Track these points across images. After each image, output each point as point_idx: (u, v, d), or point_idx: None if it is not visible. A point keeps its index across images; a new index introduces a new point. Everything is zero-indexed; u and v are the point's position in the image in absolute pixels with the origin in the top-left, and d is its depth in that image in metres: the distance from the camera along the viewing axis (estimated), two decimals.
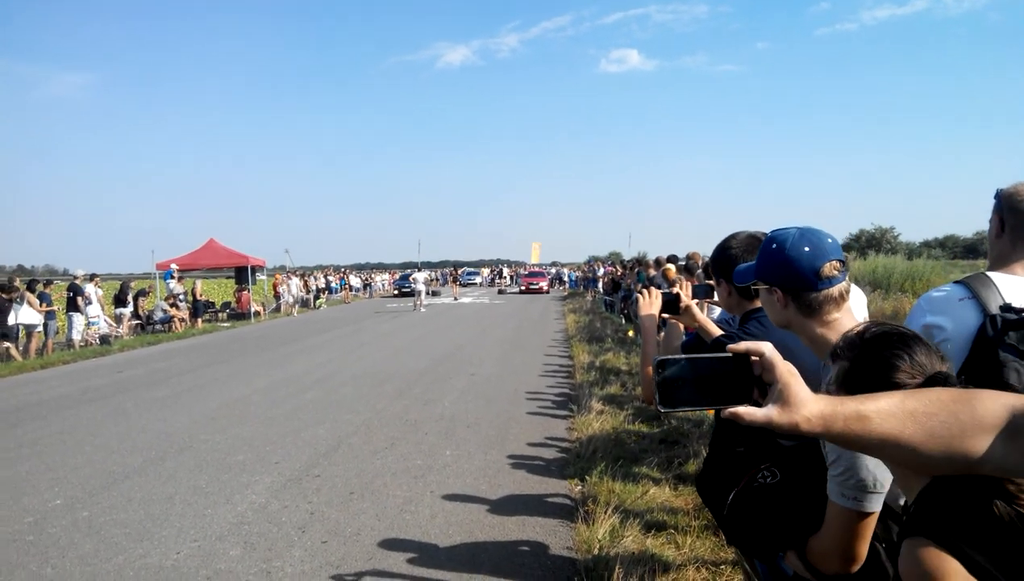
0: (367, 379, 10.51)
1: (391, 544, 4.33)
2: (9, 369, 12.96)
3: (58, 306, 16.13)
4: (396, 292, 41.74)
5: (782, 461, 2.03)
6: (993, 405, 0.91)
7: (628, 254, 36.95)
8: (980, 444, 0.90)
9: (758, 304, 2.22)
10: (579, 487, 5.28)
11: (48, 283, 16.69)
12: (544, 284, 42.99)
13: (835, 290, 1.55)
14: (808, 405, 0.94)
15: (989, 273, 2.06)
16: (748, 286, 2.07)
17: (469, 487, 5.39)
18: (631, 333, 13.93)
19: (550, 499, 5.11)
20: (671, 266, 10.85)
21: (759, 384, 1.00)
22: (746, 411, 0.97)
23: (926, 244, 56.22)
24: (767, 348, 0.99)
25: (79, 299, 16.24)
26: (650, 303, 2.65)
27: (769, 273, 1.63)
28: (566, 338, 15.89)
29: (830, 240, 1.58)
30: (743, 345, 1.00)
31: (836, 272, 1.55)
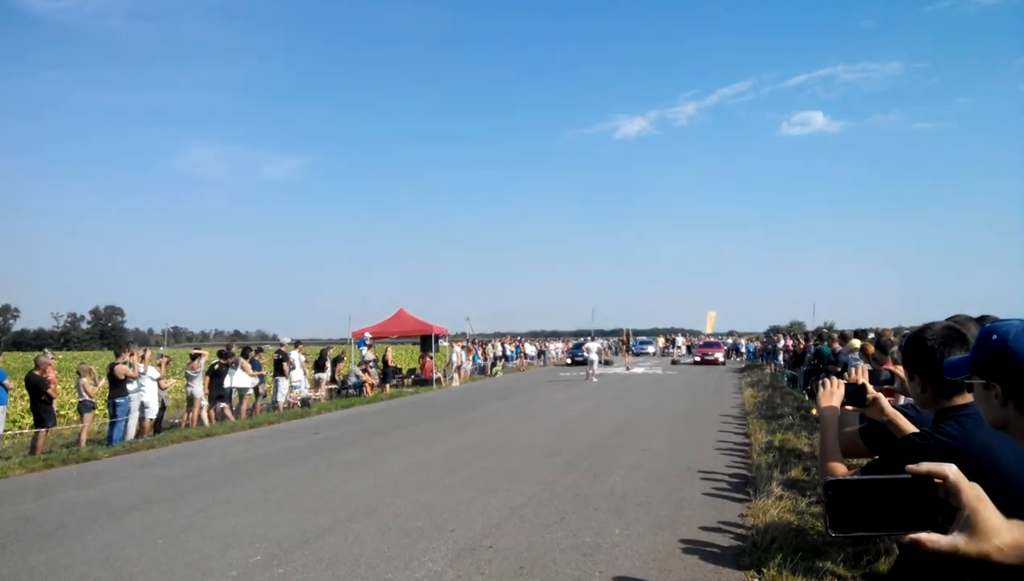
0: (538, 450, 10.68)
1: None
2: (223, 428, 14.56)
3: (266, 370, 17.94)
4: (569, 361, 41.76)
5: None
6: None
7: (812, 325, 34.79)
8: None
9: (957, 402, 2.09)
10: (756, 579, 5.02)
11: (259, 350, 18.67)
12: (720, 355, 41.48)
13: None
14: (1001, 533, 0.89)
15: None
16: (957, 381, 1.94)
17: (638, 570, 5.30)
18: (814, 411, 13.05)
19: None
20: (856, 342, 10.15)
21: (943, 507, 0.94)
22: (929, 538, 0.92)
23: None
24: (951, 471, 0.95)
25: (284, 364, 18.00)
26: (831, 393, 2.55)
27: (988, 367, 1.50)
28: (743, 414, 15.18)
29: None
30: (924, 467, 0.97)
31: None
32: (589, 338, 34.19)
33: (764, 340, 39.27)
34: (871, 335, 9.31)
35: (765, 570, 5.05)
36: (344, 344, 26.10)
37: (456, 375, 27.84)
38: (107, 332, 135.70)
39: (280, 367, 17.96)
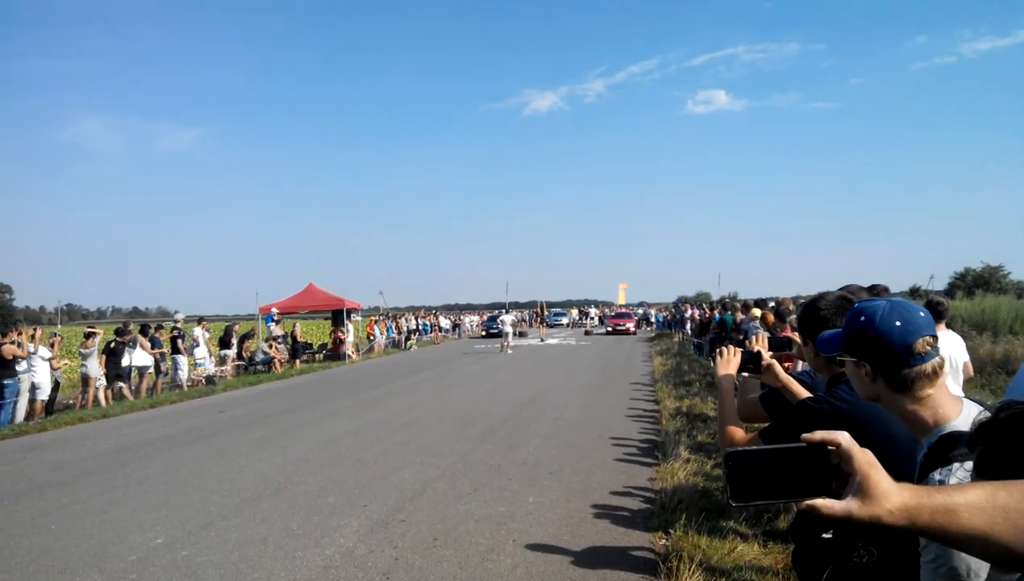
0: (453, 422, 10.65)
1: None
2: (121, 408, 13.84)
3: (167, 348, 17.15)
4: (484, 333, 42.18)
5: (880, 540, 1.95)
6: None
7: (717, 295, 36.11)
8: None
9: None
10: (663, 540, 5.17)
11: (159, 327, 17.79)
12: (631, 325, 42.59)
13: (928, 366, 1.49)
14: (891, 497, 0.91)
15: None
16: (833, 356, 2.00)
17: (551, 536, 5.36)
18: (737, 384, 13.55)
19: (633, 552, 5.02)
20: (756, 310, 10.56)
21: (837, 474, 0.96)
22: (824, 504, 0.94)
23: None
24: (844, 438, 0.96)
25: (179, 342, 17.22)
26: (728, 361, 2.60)
27: (857, 347, 1.57)
28: (653, 381, 15.63)
29: (922, 314, 1.52)
30: (818, 435, 0.97)
31: (929, 348, 1.48)
32: (504, 311, 34.29)
33: (672, 310, 40.56)
34: (771, 304, 9.68)
35: (672, 531, 5.20)
36: (252, 320, 25.25)
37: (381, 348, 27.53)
38: None
39: (175, 345, 17.18)
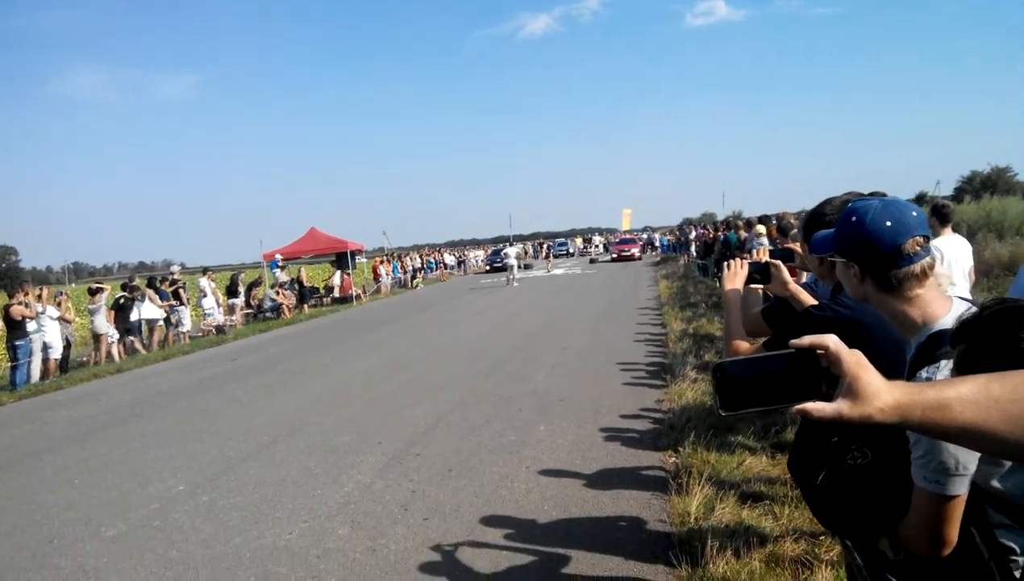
0: (462, 357, 10.76)
1: (489, 520, 4.46)
2: (135, 362, 14.02)
3: (175, 301, 17.26)
4: (488, 268, 42.00)
5: (873, 441, 1.96)
6: None
7: (722, 214, 35.85)
8: None
9: None
10: (673, 458, 5.25)
11: (164, 279, 17.85)
12: (636, 250, 42.39)
13: (916, 267, 1.48)
14: (882, 395, 0.91)
15: None
16: (826, 257, 1.99)
17: (563, 462, 5.46)
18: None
19: (644, 472, 5.11)
20: (761, 227, 10.49)
21: (827, 377, 0.96)
22: (815, 407, 0.94)
23: None
24: (832, 341, 0.96)
25: (181, 293, 17.33)
26: (734, 274, 2.57)
27: (847, 247, 1.56)
28: (659, 305, 15.68)
29: (914, 213, 1.50)
30: (806, 340, 0.97)
31: (919, 248, 1.47)
32: (508, 244, 34.23)
33: (677, 233, 40.43)
34: (774, 221, 9.61)
35: (681, 449, 5.29)
36: (258, 268, 25.29)
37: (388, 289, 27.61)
38: (2, 273, 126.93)
39: (177, 296, 17.27)
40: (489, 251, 50.28)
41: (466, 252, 52.98)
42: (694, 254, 26.69)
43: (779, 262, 2.59)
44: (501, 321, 15.45)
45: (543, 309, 17.24)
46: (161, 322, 16.56)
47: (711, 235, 20.57)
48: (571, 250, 58.83)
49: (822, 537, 3.58)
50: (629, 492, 4.71)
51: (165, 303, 16.56)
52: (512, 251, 29.88)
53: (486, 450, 5.93)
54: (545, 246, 45.14)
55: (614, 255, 42.50)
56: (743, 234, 12.12)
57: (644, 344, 10.63)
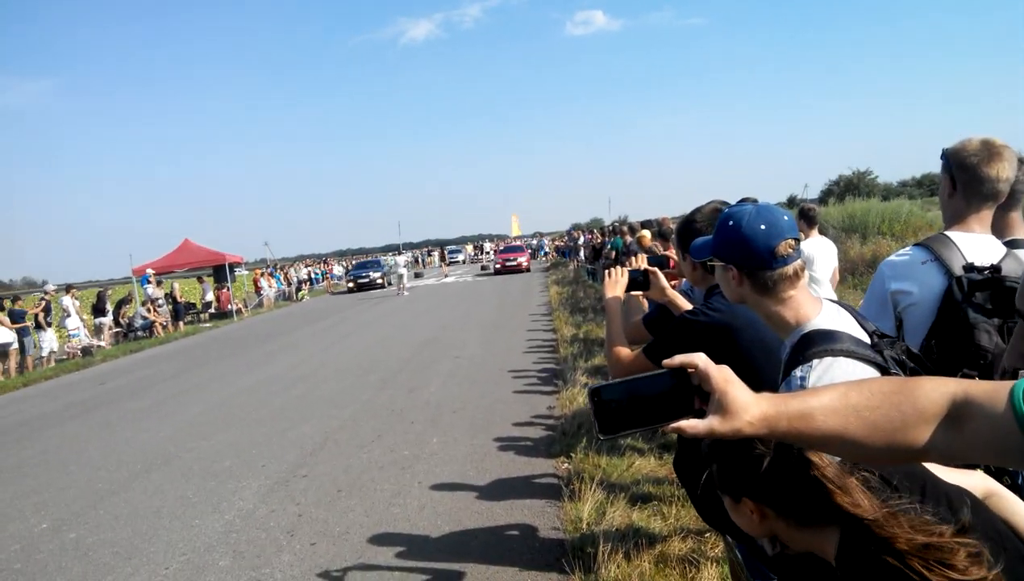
0: (351, 371, 10.48)
1: (380, 539, 4.34)
2: None
3: (30, 322, 15.89)
4: (351, 285, 31.69)
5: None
6: (933, 394, 0.91)
7: (608, 219, 36.89)
8: (922, 434, 0.90)
9: None
10: (566, 465, 5.30)
11: (16, 299, 16.39)
12: (523, 259, 35.73)
13: (789, 269, 1.55)
14: (750, 409, 0.94)
15: (948, 233, 2.07)
16: (704, 262, 2.06)
17: (456, 474, 5.40)
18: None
19: (537, 479, 5.13)
20: (646, 233, 10.83)
21: (700, 393, 0.98)
22: (688, 424, 0.96)
23: (903, 184, 56.43)
24: (700, 359, 0.98)
25: (41, 316, 16.02)
26: (615, 282, 2.61)
27: (725, 250, 1.62)
28: (550, 311, 15.90)
29: (786, 218, 1.58)
30: (677, 359, 0.99)
31: (791, 250, 1.54)
32: (396, 252, 33.81)
33: (566, 238, 41.15)
34: (655, 225, 9.94)
35: (574, 454, 5.35)
36: (129, 285, 23.71)
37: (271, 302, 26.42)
38: None
39: (37, 319, 15.96)
40: (352, 265, 40.53)
41: (354, 262, 51.90)
42: (583, 258, 27.29)
43: (656, 269, 2.65)
44: (392, 332, 15.19)
45: (434, 318, 17.10)
46: (15, 345, 15.16)
47: (599, 240, 21.08)
48: (463, 258, 58.80)
49: (707, 535, 3.70)
50: (523, 501, 4.71)
51: (16, 325, 15.18)
52: (402, 259, 29.54)
53: (377, 467, 5.78)
54: (439, 251, 44.47)
55: (497, 266, 35.82)
56: (628, 239, 12.45)
57: (535, 351, 10.73)
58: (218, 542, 4.55)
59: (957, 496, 1.23)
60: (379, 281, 30.68)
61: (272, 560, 4.20)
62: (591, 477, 4.71)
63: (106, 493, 5.82)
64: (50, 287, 17.17)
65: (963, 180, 2.03)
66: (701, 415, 0.96)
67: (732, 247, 1.59)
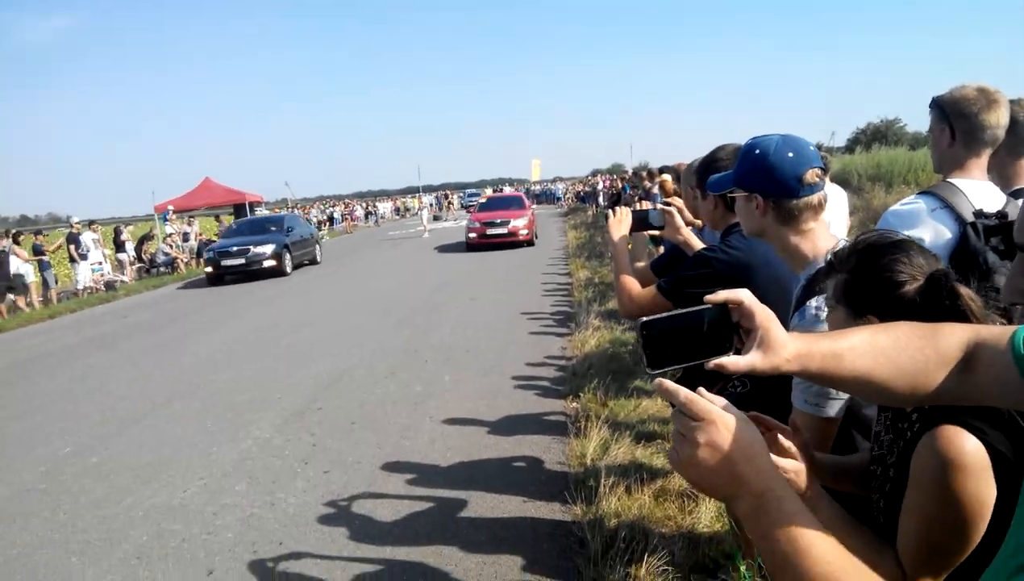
0: (369, 310, 10.61)
1: (391, 468, 4.48)
2: (17, 321, 13.14)
3: (50, 257, 16.12)
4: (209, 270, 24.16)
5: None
6: (952, 338, 0.93)
7: (631, 165, 36.35)
8: (940, 377, 0.92)
9: None
10: (574, 404, 5.39)
11: (39, 233, 16.62)
12: (521, 224, 19.27)
13: (815, 198, 1.56)
14: (788, 346, 0.95)
15: (952, 181, 2.05)
16: (725, 194, 2.06)
17: (468, 411, 5.50)
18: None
19: (547, 417, 5.23)
20: (667, 177, 10.70)
21: (737, 330, 0.99)
22: (730, 361, 0.96)
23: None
24: (745, 295, 0.99)
25: (71, 247, 16.28)
26: (619, 222, 2.60)
27: (750, 179, 1.62)
28: (567, 255, 15.89)
29: (811, 147, 1.58)
30: (721, 295, 0.99)
31: (817, 179, 1.55)
32: (416, 195, 33.85)
33: (584, 184, 40.76)
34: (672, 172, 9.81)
35: (582, 394, 5.43)
36: (151, 221, 23.96)
37: None
38: None
39: (70, 253, 16.24)
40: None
41: (375, 204, 51.82)
42: (603, 204, 27.08)
43: (672, 209, 2.63)
44: (410, 273, 15.29)
45: (451, 261, 17.17)
46: (32, 278, 15.32)
47: (617, 185, 20.88)
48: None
49: None
50: (531, 437, 4.81)
51: (36, 257, 15.38)
52: (427, 200, 29.63)
53: (390, 402, 5.91)
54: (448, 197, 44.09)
55: (472, 237, 19.44)
56: (647, 184, 12.31)
57: (550, 294, 10.78)
58: (235, 469, 4.71)
59: None
60: (268, 263, 16.24)
61: (286, 486, 4.35)
62: (597, 416, 4.80)
63: (129, 422, 6.01)
64: (75, 220, 17.38)
65: (963, 128, 2.01)
66: (738, 352, 0.97)
67: (758, 175, 1.59)
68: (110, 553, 3.71)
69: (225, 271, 16.20)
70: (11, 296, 14.44)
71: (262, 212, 27.83)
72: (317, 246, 19.69)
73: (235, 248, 16.33)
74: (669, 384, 0.86)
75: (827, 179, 5.25)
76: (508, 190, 61.05)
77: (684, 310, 0.99)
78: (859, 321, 1.17)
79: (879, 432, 1.28)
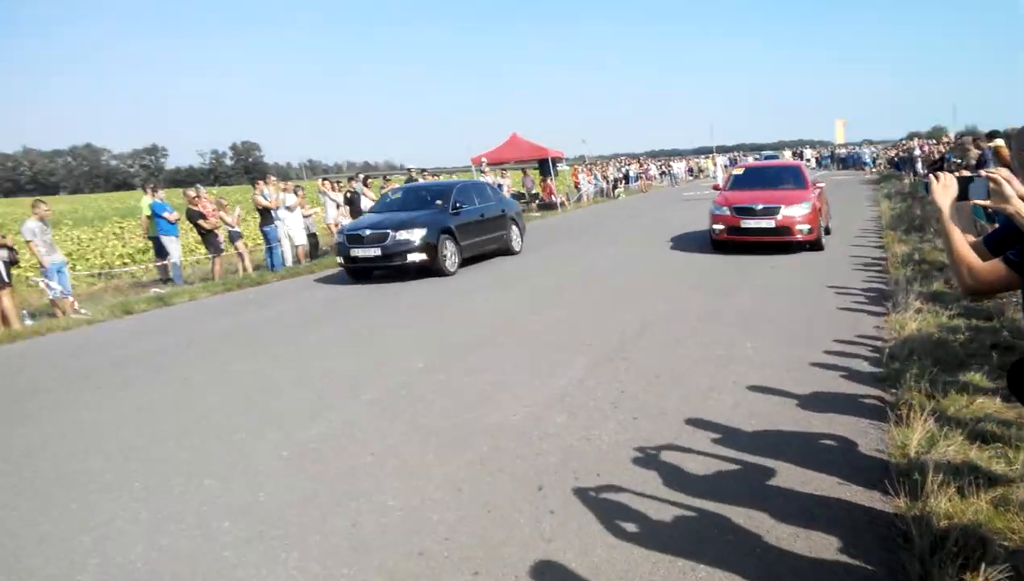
0: (667, 268, 10.87)
1: (696, 425, 4.67)
2: None
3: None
4: (341, 261, 18.39)
5: None
6: None
7: (953, 129, 31.46)
8: None
9: None
10: (893, 389, 5.09)
11: (386, 179, 19.26)
12: (798, 213, 11.59)
13: None
14: None
15: None
16: None
17: (772, 380, 5.46)
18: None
19: (859, 399, 5.01)
20: (1000, 142, 9.28)
21: None
22: None
23: None
24: None
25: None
26: (945, 188, 2.40)
27: None
28: (879, 227, 14.53)
29: None
30: None
31: None
32: (710, 156, 32.95)
33: (897, 148, 36.28)
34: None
35: (903, 381, 5.08)
36: (468, 172, 26.46)
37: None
38: (251, 167, 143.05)
39: None
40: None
41: (669, 163, 51.26)
42: (921, 171, 24.05)
43: (1000, 176, 2.34)
44: (706, 234, 15.15)
45: None
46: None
47: (936, 151, 18.41)
48: None
49: None
50: (842, 417, 4.66)
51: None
52: (720, 161, 28.91)
53: (691, 360, 6.10)
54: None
55: (717, 231, 12.34)
56: (975, 151, 10.66)
57: (861, 269, 10.04)
58: (555, 402, 5.28)
59: None
60: (415, 257, 11.44)
61: (600, 425, 4.79)
62: (921, 406, 4.49)
63: (465, 349, 7.01)
64: (411, 167, 19.90)
65: None
66: None
67: None
68: (459, 456, 4.45)
69: (357, 265, 11.79)
70: None
71: (563, 168, 29.15)
72: (515, 227, 14.22)
73: (368, 231, 11.66)
74: None
75: None
76: (809, 152, 56.31)
77: None
78: None
79: None
